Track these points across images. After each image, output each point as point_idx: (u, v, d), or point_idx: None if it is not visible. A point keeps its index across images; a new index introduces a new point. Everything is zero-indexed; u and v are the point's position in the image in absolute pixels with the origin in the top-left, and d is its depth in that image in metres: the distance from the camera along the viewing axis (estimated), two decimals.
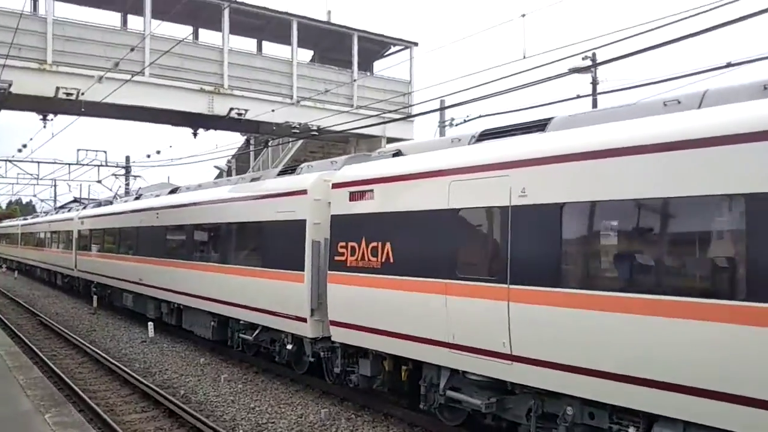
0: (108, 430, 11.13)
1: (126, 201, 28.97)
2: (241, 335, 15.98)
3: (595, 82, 22.67)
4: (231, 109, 24.14)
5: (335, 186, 12.32)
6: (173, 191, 22.76)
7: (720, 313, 6.50)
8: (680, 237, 7.39)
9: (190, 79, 24.09)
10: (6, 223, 69.70)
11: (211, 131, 27.15)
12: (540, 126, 9.41)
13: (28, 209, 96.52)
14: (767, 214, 6.25)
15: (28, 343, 19.20)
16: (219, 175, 36.52)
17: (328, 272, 12.21)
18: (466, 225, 9.64)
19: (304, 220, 13.02)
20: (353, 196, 11.75)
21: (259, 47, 29.47)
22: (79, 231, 31.91)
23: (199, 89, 24.18)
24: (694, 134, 6.87)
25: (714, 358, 6.55)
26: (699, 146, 6.77)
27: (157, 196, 23.66)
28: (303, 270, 12.90)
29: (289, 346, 13.96)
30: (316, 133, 24.36)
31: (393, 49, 30.07)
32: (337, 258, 11.97)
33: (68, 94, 21.56)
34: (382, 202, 11.13)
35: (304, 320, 12.93)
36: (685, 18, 10.16)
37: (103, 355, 17.39)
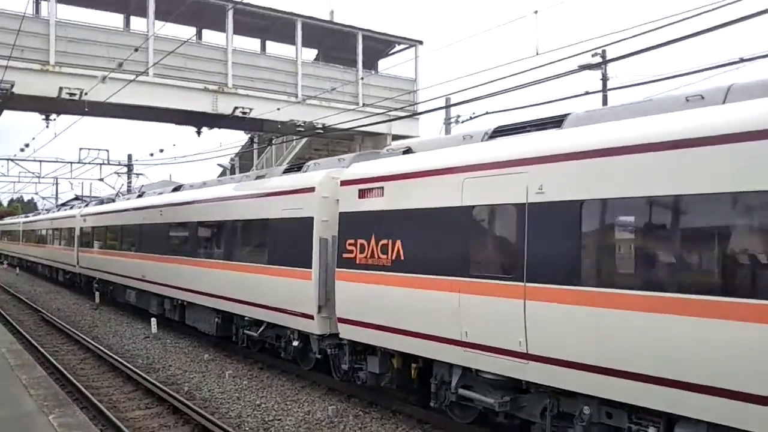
0: (113, 429, 10.99)
1: (129, 198, 28.84)
2: (246, 332, 15.87)
3: (605, 79, 22.53)
4: (235, 108, 24.10)
5: (344, 183, 12.20)
6: (177, 189, 22.64)
7: (749, 312, 6.36)
8: (705, 235, 7.19)
9: (194, 78, 24.04)
10: (8, 220, 69.60)
11: (215, 130, 27.08)
12: (556, 122, 9.29)
13: (29, 207, 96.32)
14: None
15: (30, 339, 19.05)
16: (222, 174, 36.38)
17: (336, 269, 12.10)
18: (481, 222, 9.52)
19: (312, 218, 12.91)
20: (362, 194, 11.63)
21: (263, 47, 29.39)
22: (81, 228, 31.80)
23: (203, 88, 24.16)
24: (729, 129, 6.69)
25: (742, 359, 6.41)
26: (731, 141, 6.61)
27: (161, 193, 23.54)
28: (310, 267, 12.80)
29: (296, 343, 13.85)
30: (322, 131, 24.27)
31: (397, 47, 30.01)
32: (345, 255, 11.86)
33: (71, 95, 21.55)
34: (392, 199, 11.01)
35: (311, 317, 12.82)
36: (696, 15, 10.09)
37: (106, 351, 17.27)
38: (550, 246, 8.37)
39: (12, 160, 43.34)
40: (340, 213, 12.18)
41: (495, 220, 9.38)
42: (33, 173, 45.61)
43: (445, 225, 9.86)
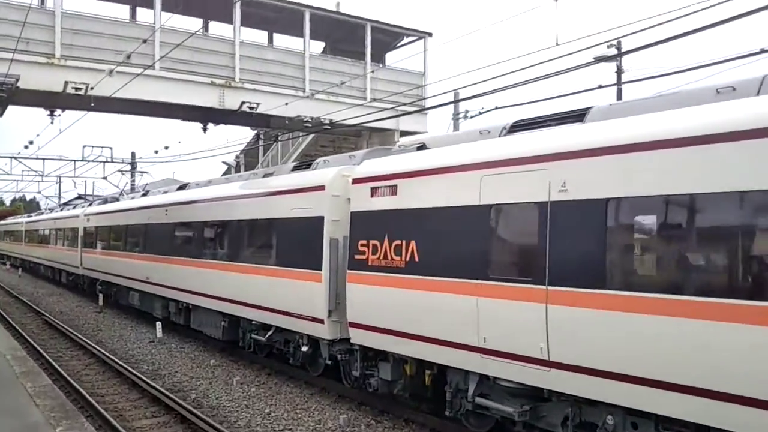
0: None
1: (133, 197, 28.46)
2: (253, 336, 15.45)
3: (619, 71, 22.01)
4: (243, 102, 23.69)
5: (355, 181, 11.77)
6: (182, 187, 22.25)
7: None
8: (741, 234, 6.70)
9: (201, 72, 23.66)
10: (10, 220, 69.38)
11: (221, 126, 26.72)
12: (577, 116, 8.85)
13: (32, 206, 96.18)
14: None
15: (34, 344, 18.66)
16: (227, 171, 35.99)
17: (348, 271, 11.67)
18: (500, 222, 9.05)
19: (322, 217, 12.47)
20: (375, 192, 11.19)
21: (270, 39, 28.98)
22: (84, 228, 31.44)
23: (210, 83, 23.77)
24: None
25: None
26: None
27: (165, 192, 23.16)
28: (320, 269, 12.35)
29: (305, 348, 13.41)
30: (329, 127, 23.84)
31: (406, 40, 29.56)
32: (357, 257, 11.43)
33: (77, 89, 21.21)
34: (406, 197, 10.56)
35: (321, 321, 12.38)
36: (713, 6, 9.62)
37: (111, 356, 16.86)
38: (575, 247, 7.92)
39: (15, 158, 43.05)
40: (351, 212, 11.75)
41: (515, 220, 8.91)
42: (36, 172, 45.30)
43: (462, 225, 9.42)
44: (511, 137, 9.52)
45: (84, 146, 40.36)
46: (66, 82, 21.16)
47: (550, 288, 8.05)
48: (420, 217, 10.24)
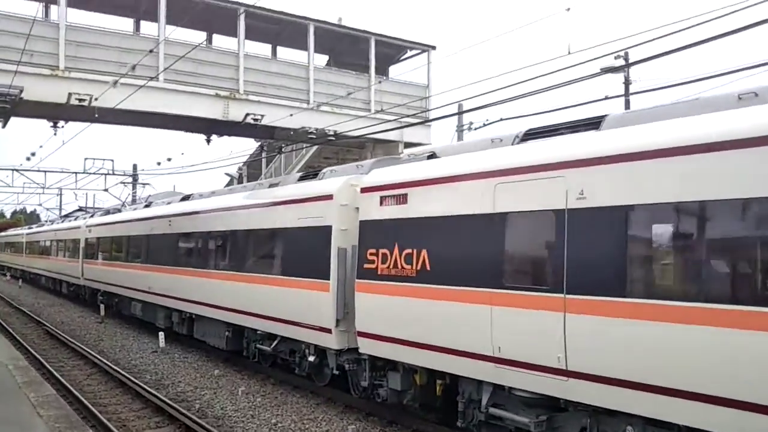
0: None
1: (135, 209, 28.35)
2: (258, 346, 15.31)
3: (627, 82, 22.02)
4: (247, 114, 23.66)
5: (364, 190, 11.69)
6: (186, 198, 22.16)
7: None
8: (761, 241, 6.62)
9: (205, 84, 23.64)
10: (11, 231, 69.24)
11: (224, 138, 26.67)
12: (593, 124, 8.78)
13: (32, 218, 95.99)
14: None
15: (35, 354, 18.50)
16: (230, 183, 35.88)
17: (357, 281, 11.56)
18: (515, 230, 8.93)
19: (330, 227, 12.38)
20: (384, 201, 11.10)
21: (274, 52, 29.00)
22: (86, 239, 31.31)
23: (215, 94, 23.74)
24: None
25: None
26: None
27: (169, 203, 23.06)
28: (328, 279, 12.24)
29: (311, 358, 13.27)
30: (333, 138, 23.80)
31: (410, 53, 29.62)
32: (366, 266, 11.32)
33: (81, 100, 21.21)
34: (417, 206, 10.46)
35: (328, 331, 12.25)
36: (723, 15, 9.59)
37: (113, 366, 16.70)
38: (593, 255, 7.82)
39: (16, 170, 42.89)
40: (360, 221, 11.65)
41: (531, 228, 8.79)
42: (38, 184, 45.13)
43: (476, 233, 9.32)
44: (525, 145, 9.44)
45: (86, 158, 40.28)
46: (70, 94, 21.18)
47: (568, 296, 7.94)
48: (432, 225, 10.14)
